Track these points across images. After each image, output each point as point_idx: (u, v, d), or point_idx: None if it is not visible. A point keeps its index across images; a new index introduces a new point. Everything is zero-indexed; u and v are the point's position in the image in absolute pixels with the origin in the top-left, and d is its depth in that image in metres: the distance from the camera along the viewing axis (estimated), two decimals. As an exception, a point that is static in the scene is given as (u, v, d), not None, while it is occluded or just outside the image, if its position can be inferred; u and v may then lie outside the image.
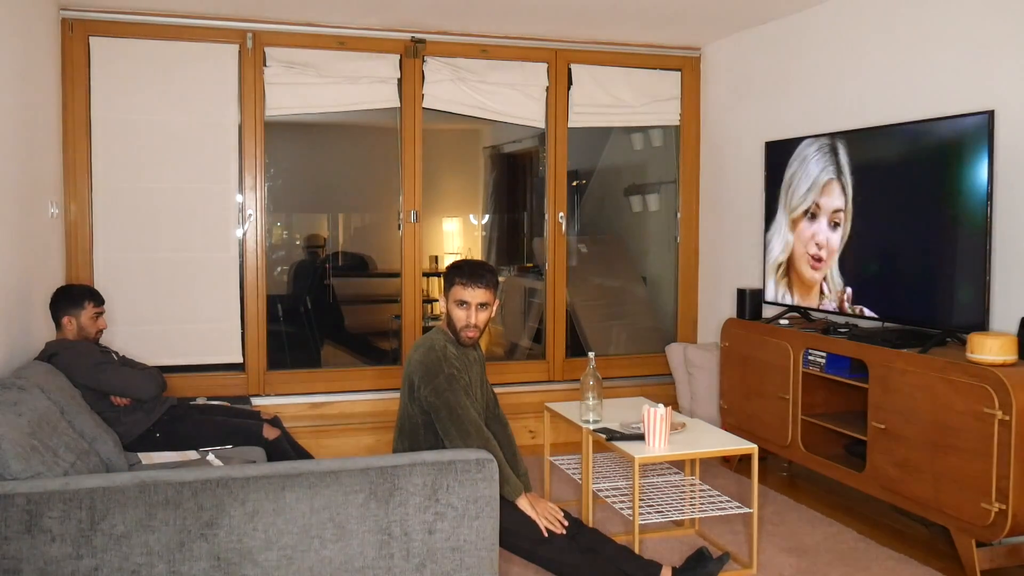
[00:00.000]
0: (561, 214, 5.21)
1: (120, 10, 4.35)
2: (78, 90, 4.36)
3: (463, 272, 2.88)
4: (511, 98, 5.06)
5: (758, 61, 4.84)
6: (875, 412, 3.49)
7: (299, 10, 4.43)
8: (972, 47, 3.51)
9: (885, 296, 3.69)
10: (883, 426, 3.44)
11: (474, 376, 2.95)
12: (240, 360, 4.71)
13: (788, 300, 4.23)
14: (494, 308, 2.95)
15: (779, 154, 4.29)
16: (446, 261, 6.46)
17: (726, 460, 4.50)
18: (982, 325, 3.22)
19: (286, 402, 4.69)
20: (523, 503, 2.72)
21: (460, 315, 2.88)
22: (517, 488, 2.73)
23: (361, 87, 4.79)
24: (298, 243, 7.07)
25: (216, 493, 2.11)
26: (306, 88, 4.70)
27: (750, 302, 4.49)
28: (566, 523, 2.75)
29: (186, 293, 4.59)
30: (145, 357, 3.92)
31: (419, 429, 2.85)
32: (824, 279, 3.98)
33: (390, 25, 4.73)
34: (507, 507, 2.66)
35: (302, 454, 3.77)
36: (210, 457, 3.30)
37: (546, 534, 2.69)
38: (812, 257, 4.04)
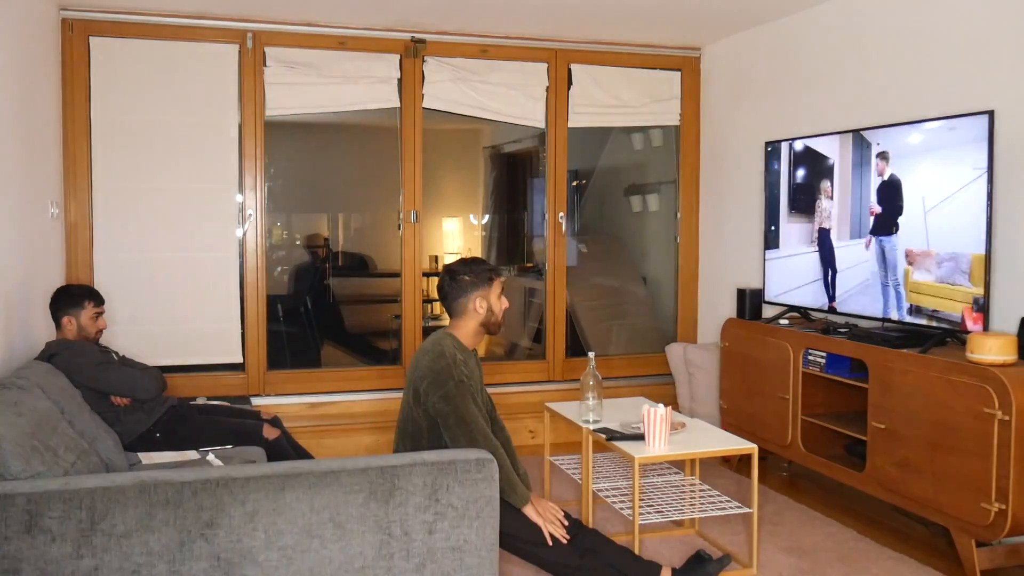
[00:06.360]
0: (561, 214, 5.21)
1: (120, 10, 4.35)
2: (78, 90, 4.36)
3: (492, 267, 3.00)
4: (511, 98, 5.06)
5: (758, 61, 4.84)
6: (875, 412, 3.49)
7: (299, 10, 4.43)
8: (972, 47, 3.51)
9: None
10: (883, 426, 3.44)
11: (477, 381, 2.96)
12: (240, 360, 4.71)
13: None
14: None
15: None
16: (446, 261, 6.45)
17: (726, 460, 4.50)
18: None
19: (286, 402, 4.69)
20: (530, 511, 2.72)
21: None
22: (524, 497, 2.74)
23: (361, 87, 4.79)
24: (298, 243, 7.08)
25: (216, 493, 2.10)
26: (306, 88, 4.69)
27: (750, 302, 4.49)
28: (566, 523, 2.75)
29: (186, 293, 4.58)
30: (145, 357, 3.92)
31: (422, 433, 2.85)
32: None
33: (390, 25, 4.73)
34: (507, 509, 2.65)
35: (302, 454, 3.77)
36: (210, 457, 3.30)
37: (551, 542, 2.69)
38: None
